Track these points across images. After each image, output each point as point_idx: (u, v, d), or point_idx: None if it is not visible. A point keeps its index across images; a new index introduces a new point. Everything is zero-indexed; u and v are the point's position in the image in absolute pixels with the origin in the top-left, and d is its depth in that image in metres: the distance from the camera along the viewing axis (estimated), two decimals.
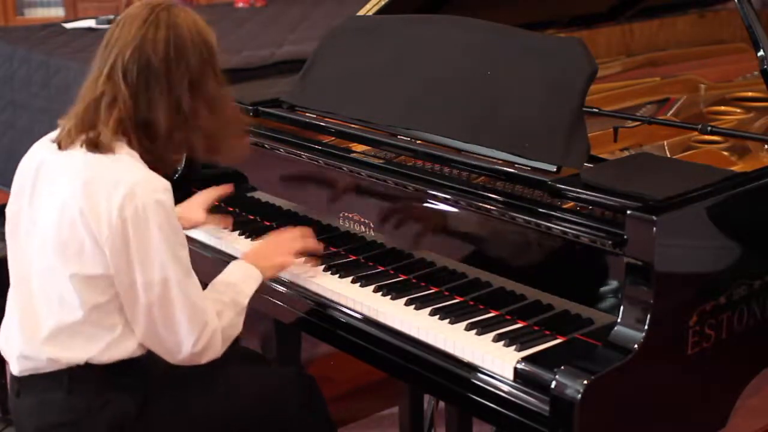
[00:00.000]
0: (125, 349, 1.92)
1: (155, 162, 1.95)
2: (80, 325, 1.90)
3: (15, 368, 1.98)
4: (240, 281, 2.07)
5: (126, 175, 1.86)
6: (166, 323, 1.88)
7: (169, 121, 1.92)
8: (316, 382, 2.26)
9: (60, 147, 1.95)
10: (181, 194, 2.72)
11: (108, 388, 1.93)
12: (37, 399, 1.95)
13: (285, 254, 2.19)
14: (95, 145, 1.90)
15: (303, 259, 2.24)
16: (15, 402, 2.00)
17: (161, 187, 1.88)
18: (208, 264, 2.38)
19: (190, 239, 2.44)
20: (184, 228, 2.36)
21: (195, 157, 2.00)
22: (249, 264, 2.12)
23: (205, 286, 2.02)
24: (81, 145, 1.91)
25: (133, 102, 1.90)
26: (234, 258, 2.40)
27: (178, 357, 1.93)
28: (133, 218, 1.83)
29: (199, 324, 1.90)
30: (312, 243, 2.25)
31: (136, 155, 1.92)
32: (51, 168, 1.95)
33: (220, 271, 2.12)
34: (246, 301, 2.05)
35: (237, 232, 2.50)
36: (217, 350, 1.95)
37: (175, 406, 2.02)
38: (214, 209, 2.69)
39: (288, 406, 2.15)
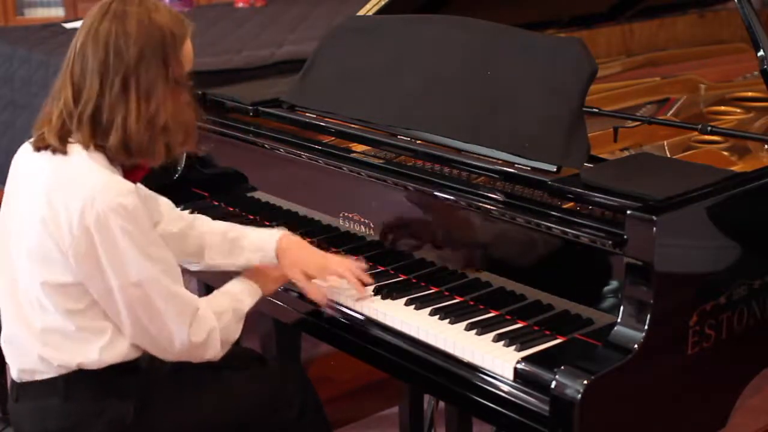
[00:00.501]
0: (118, 352, 1.91)
1: (126, 159, 1.89)
2: (66, 330, 1.88)
3: (14, 369, 1.97)
4: (239, 291, 2.07)
5: (84, 181, 1.82)
6: (152, 320, 1.87)
7: (99, 111, 1.85)
8: (312, 383, 2.25)
9: (34, 149, 1.93)
10: (181, 194, 2.74)
11: (105, 394, 1.92)
12: (35, 405, 1.94)
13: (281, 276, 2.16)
14: (46, 146, 1.88)
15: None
16: (14, 407, 2.00)
17: (123, 189, 1.83)
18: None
19: None
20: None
21: (110, 150, 1.87)
22: (248, 279, 2.12)
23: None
24: (40, 147, 1.89)
25: (72, 94, 1.87)
26: None
27: (173, 351, 1.91)
28: (96, 225, 1.80)
29: (189, 314, 1.89)
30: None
31: (99, 156, 1.87)
32: (26, 172, 1.94)
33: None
34: (245, 309, 2.04)
35: None
36: (216, 349, 1.95)
37: (172, 409, 2.01)
38: (215, 210, 2.69)
39: (284, 407, 2.14)
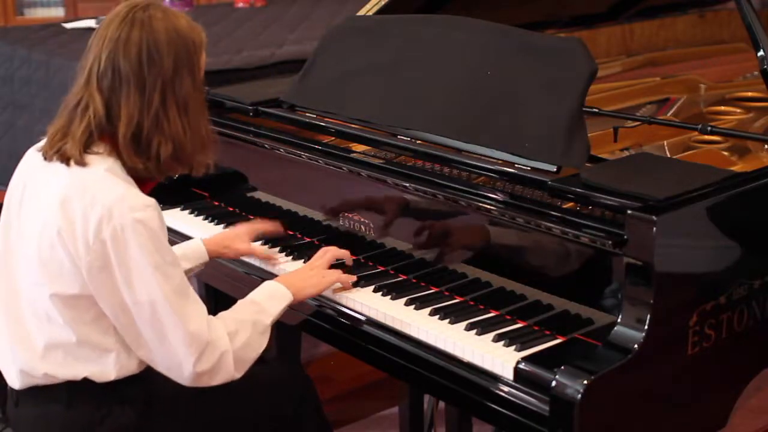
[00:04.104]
0: (127, 369, 1.90)
1: (143, 173, 1.89)
2: (74, 346, 1.86)
3: (14, 383, 1.95)
4: (264, 300, 2.01)
5: (103, 194, 1.80)
6: (161, 344, 1.83)
7: (141, 125, 1.84)
8: (313, 382, 2.25)
9: (45, 158, 1.90)
10: (181, 194, 2.74)
11: (108, 401, 1.90)
12: (36, 411, 1.92)
13: (319, 279, 2.12)
14: (65, 158, 1.85)
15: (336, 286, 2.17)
16: (14, 412, 1.98)
17: (140, 204, 1.80)
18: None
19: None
20: (228, 257, 2.34)
21: (161, 166, 1.89)
22: (278, 283, 2.07)
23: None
24: (56, 158, 1.86)
25: (104, 108, 1.84)
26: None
27: (182, 377, 1.86)
28: (112, 239, 1.77)
29: (198, 345, 1.83)
30: (345, 275, 2.17)
31: (117, 168, 1.86)
32: (36, 181, 1.91)
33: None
34: (269, 320, 1.97)
35: None
36: (229, 372, 1.89)
37: (174, 414, 2.00)
38: (215, 210, 2.69)
39: (284, 406, 2.14)
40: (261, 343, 1.95)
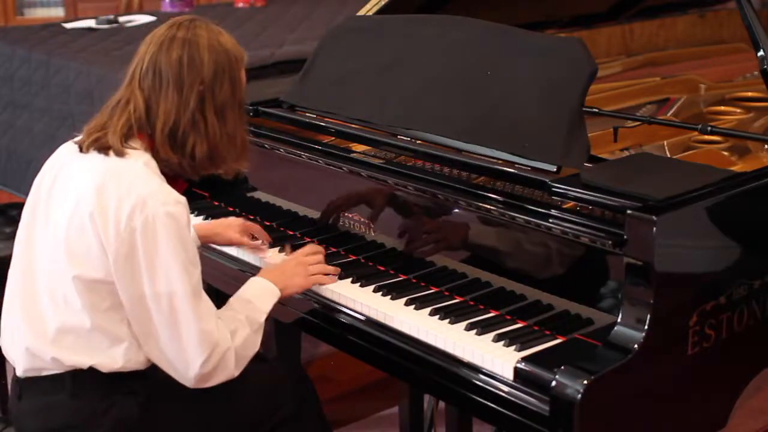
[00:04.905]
0: (135, 362, 1.92)
1: (177, 170, 1.97)
2: (86, 332, 1.89)
3: (19, 367, 1.97)
4: (256, 297, 2.04)
5: (139, 184, 1.86)
6: (174, 340, 1.86)
7: (177, 122, 1.92)
8: (312, 382, 2.25)
9: (81, 150, 1.96)
10: (181, 194, 2.73)
11: (112, 391, 1.93)
12: (40, 402, 1.94)
13: (305, 275, 2.15)
14: (103, 147, 1.92)
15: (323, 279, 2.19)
16: (16, 405, 1.99)
17: (173, 199, 1.87)
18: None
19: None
20: (218, 243, 2.41)
21: (195, 164, 1.97)
22: (266, 280, 2.10)
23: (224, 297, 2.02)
24: (94, 148, 1.93)
25: (144, 105, 1.93)
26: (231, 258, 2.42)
27: (187, 377, 1.89)
28: (142, 228, 1.82)
29: (209, 345, 1.86)
30: (329, 267, 2.20)
31: (153, 164, 1.93)
32: (70, 170, 1.96)
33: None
34: (263, 318, 2.01)
35: None
36: (230, 370, 1.92)
37: (177, 408, 2.01)
38: (216, 210, 2.69)
39: (284, 406, 2.15)
40: (257, 341, 1.99)
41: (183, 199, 1.90)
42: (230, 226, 2.41)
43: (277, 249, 2.38)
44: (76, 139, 2.01)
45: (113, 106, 1.97)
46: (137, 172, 1.89)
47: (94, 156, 1.93)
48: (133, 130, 1.93)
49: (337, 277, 2.19)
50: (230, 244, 2.40)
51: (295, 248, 2.28)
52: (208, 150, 1.96)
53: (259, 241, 2.41)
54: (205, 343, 1.86)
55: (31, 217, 2.00)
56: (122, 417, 1.93)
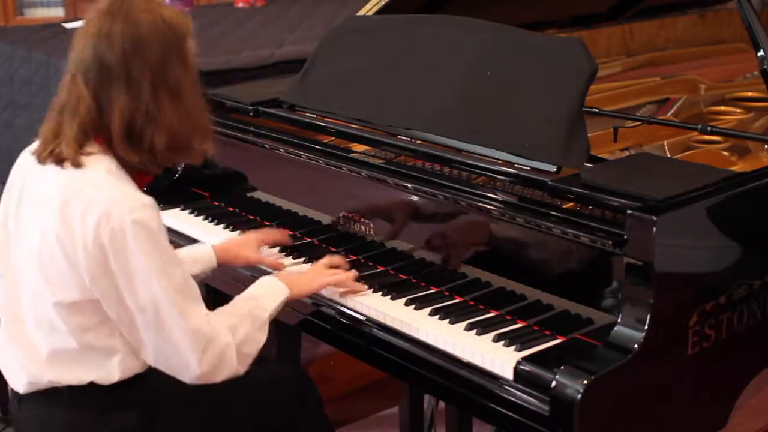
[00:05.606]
0: (131, 370, 1.89)
1: (139, 167, 1.87)
2: (77, 353, 1.85)
3: (18, 388, 1.93)
4: (261, 295, 2.00)
5: (100, 196, 1.77)
6: (167, 344, 1.82)
7: (133, 119, 1.81)
8: (314, 381, 2.25)
9: (39, 161, 1.87)
10: (181, 194, 2.74)
11: (111, 405, 1.90)
12: (39, 414, 1.91)
13: (317, 278, 2.12)
14: (59, 159, 1.82)
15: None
16: (17, 412, 1.97)
17: (139, 204, 1.77)
18: None
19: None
20: (236, 265, 2.32)
21: (157, 158, 1.85)
22: (274, 278, 2.06)
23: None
24: (51, 161, 1.84)
25: (95, 104, 1.81)
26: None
27: (188, 376, 1.85)
28: (111, 242, 1.75)
29: (201, 342, 1.81)
30: (349, 280, 2.15)
31: (113, 166, 1.83)
32: (32, 186, 1.88)
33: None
34: (266, 315, 1.96)
35: (237, 232, 2.49)
36: (233, 367, 1.87)
37: (176, 416, 1.99)
38: (218, 213, 2.69)
39: (285, 405, 2.14)
40: (260, 338, 1.94)
41: (149, 200, 1.80)
42: (247, 244, 2.31)
43: (291, 258, 2.34)
44: (34, 147, 1.92)
45: (61, 108, 1.85)
46: (98, 182, 1.80)
47: (51, 169, 1.84)
48: (88, 134, 1.82)
49: (349, 286, 2.15)
50: (248, 264, 2.32)
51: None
52: (167, 140, 1.83)
53: (278, 256, 2.34)
54: (197, 342, 1.81)
55: (5, 234, 1.94)
56: (121, 429, 1.91)
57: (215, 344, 1.84)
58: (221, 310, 1.94)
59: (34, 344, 1.88)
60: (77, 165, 1.82)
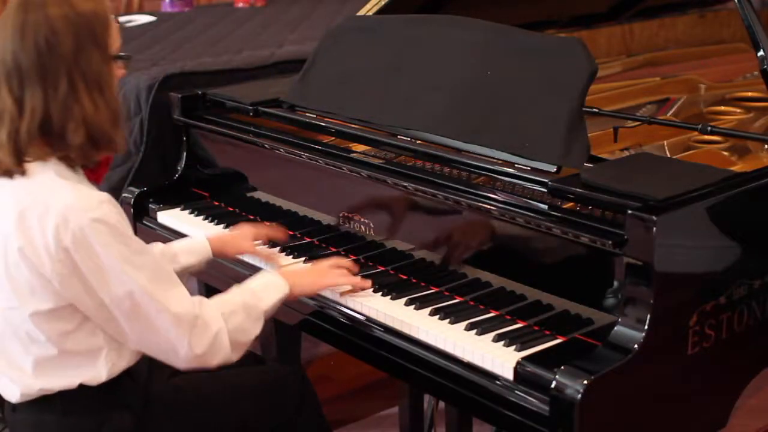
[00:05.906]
0: (119, 366, 1.88)
1: (94, 155, 1.83)
2: (61, 358, 1.84)
3: (10, 399, 1.92)
4: (261, 288, 2.00)
5: (54, 201, 1.75)
6: (150, 330, 1.81)
7: (48, 116, 1.76)
8: (311, 382, 2.25)
9: None
10: (181, 194, 2.74)
11: (104, 407, 1.89)
12: (33, 419, 1.90)
13: (319, 278, 2.12)
14: (4, 171, 1.79)
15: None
16: (11, 416, 1.96)
17: (95, 203, 1.75)
18: None
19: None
20: (230, 255, 2.33)
21: (80, 153, 1.80)
22: (275, 274, 2.06)
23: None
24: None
25: (16, 109, 1.77)
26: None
27: (179, 360, 1.85)
28: (74, 245, 1.73)
29: (187, 325, 1.81)
30: (354, 279, 2.15)
31: (62, 168, 1.80)
32: None
33: None
34: (263, 306, 1.96)
35: None
36: (226, 352, 1.87)
37: (172, 416, 1.99)
38: (218, 213, 2.69)
39: (284, 407, 2.14)
40: (255, 329, 1.94)
41: (105, 196, 1.78)
42: (242, 235, 2.33)
43: (291, 257, 2.35)
44: None
45: None
46: (50, 188, 1.77)
47: (2, 181, 1.81)
48: (23, 141, 1.77)
49: (351, 287, 2.15)
50: (242, 253, 2.34)
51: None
52: (85, 133, 1.78)
53: (279, 256, 2.34)
54: (182, 325, 1.80)
55: None
56: (116, 430, 1.90)
57: (205, 328, 1.84)
58: (217, 297, 1.94)
59: (16, 359, 1.87)
60: (23, 173, 1.79)
